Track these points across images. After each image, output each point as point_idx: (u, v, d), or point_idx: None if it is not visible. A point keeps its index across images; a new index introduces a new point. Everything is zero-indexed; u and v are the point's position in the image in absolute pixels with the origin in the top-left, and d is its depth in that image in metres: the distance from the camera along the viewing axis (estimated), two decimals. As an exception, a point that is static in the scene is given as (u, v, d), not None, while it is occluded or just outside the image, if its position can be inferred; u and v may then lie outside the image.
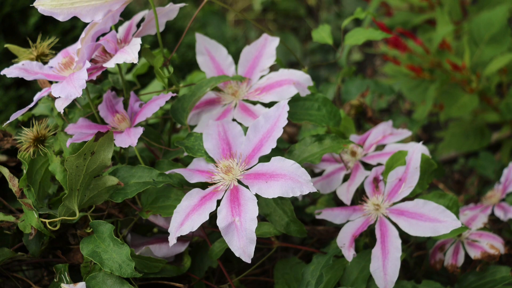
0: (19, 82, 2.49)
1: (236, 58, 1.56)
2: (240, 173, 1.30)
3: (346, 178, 1.57)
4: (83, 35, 1.39)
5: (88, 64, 1.33)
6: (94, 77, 1.39)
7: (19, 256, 1.37)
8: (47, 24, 2.50)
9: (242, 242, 1.20)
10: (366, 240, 1.51)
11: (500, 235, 1.59)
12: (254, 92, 1.50)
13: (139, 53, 1.36)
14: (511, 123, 2.41)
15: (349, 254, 1.37)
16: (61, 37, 2.39)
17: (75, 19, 1.36)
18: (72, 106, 1.53)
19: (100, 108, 1.46)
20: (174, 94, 1.43)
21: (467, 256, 1.53)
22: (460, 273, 1.53)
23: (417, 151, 1.43)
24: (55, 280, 1.30)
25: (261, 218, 1.44)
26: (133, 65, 1.77)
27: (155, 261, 1.36)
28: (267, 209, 1.38)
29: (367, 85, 2.12)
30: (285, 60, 3.42)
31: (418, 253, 1.61)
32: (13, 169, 1.51)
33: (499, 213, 1.64)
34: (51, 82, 1.47)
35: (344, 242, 1.39)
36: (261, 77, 1.52)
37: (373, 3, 2.57)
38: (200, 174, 1.35)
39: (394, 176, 1.44)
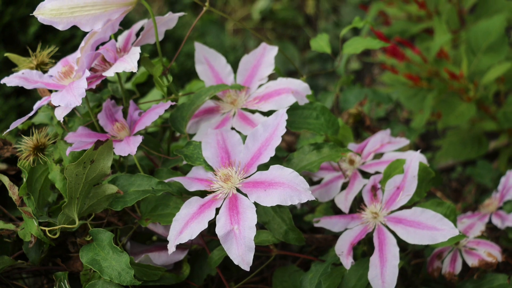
0: (19, 91, 2.50)
1: (235, 67, 1.56)
2: (239, 181, 1.30)
3: (344, 187, 1.57)
4: (82, 44, 1.40)
5: (87, 73, 1.34)
6: (93, 86, 1.39)
7: (19, 264, 1.37)
8: (47, 33, 2.51)
9: (241, 250, 1.21)
10: (364, 248, 1.51)
11: (498, 243, 1.59)
12: (253, 100, 1.50)
13: (139, 62, 1.36)
14: (509, 131, 2.41)
15: (347, 262, 1.37)
16: (60, 46, 2.39)
17: (74, 28, 1.36)
18: (71, 114, 1.53)
19: (100, 116, 1.47)
20: (173, 103, 1.44)
21: (464, 264, 1.53)
22: (457, 281, 1.54)
23: (415, 159, 1.43)
24: (54, 287, 1.31)
25: (260, 226, 1.45)
26: (132, 74, 1.77)
27: (154, 269, 1.36)
28: (266, 217, 1.39)
29: (365, 94, 2.13)
30: (284, 69, 3.43)
31: (416, 261, 1.61)
32: (13, 177, 1.51)
33: (496, 221, 1.65)
34: (50, 91, 1.47)
35: (342, 250, 1.39)
36: (260, 85, 1.53)
37: (371, 12, 2.58)
38: (199, 182, 1.36)
39: (392, 185, 1.44)
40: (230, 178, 1.30)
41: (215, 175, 1.33)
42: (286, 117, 1.33)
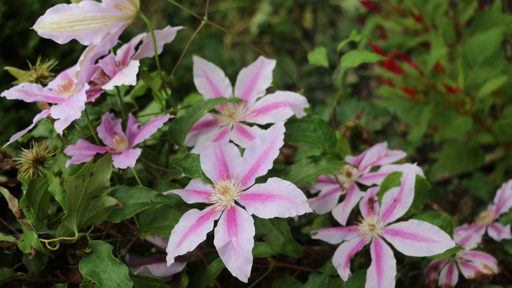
0: (19, 104, 2.50)
1: (233, 80, 1.57)
2: (237, 193, 1.31)
3: (341, 199, 1.57)
4: (82, 57, 1.40)
5: (87, 86, 1.34)
6: (93, 99, 1.40)
7: (18, 276, 1.37)
8: (46, 46, 2.52)
9: (239, 262, 1.21)
10: (361, 260, 1.52)
11: (494, 255, 1.60)
12: (251, 114, 1.51)
13: (137, 75, 1.37)
14: (505, 144, 2.42)
15: (344, 273, 1.37)
16: (60, 59, 2.40)
17: (74, 41, 1.37)
18: (71, 127, 1.54)
19: (99, 129, 1.47)
20: (172, 116, 1.44)
21: (461, 275, 1.54)
22: (454, 293, 1.54)
23: (411, 172, 1.44)
24: (54, 299, 1.31)
25: (258, 238, 1.45)
26: (131, 87, 1.78)
27: (153, 281, 1.36)
28: (264, 229, 1.39)
29: (362, 107, 2.14)
30: (282, 82, 3.44)
31: (412, 272, 1.62)
32: (13, 190, 1.52)
33: (492, 233, 1.65)
34: (50, 104, 1.48)
35: (340, 262, 1.40)
36: (258, 99, 1.54)
37: (368, 26, 2.59)
38: (198, 194, 1.36)
39: (389, 197, 1.45)
40: (228, 190, 1.31)
41: (214, 187, 1.34)
42: (284, 130, 1.34)
